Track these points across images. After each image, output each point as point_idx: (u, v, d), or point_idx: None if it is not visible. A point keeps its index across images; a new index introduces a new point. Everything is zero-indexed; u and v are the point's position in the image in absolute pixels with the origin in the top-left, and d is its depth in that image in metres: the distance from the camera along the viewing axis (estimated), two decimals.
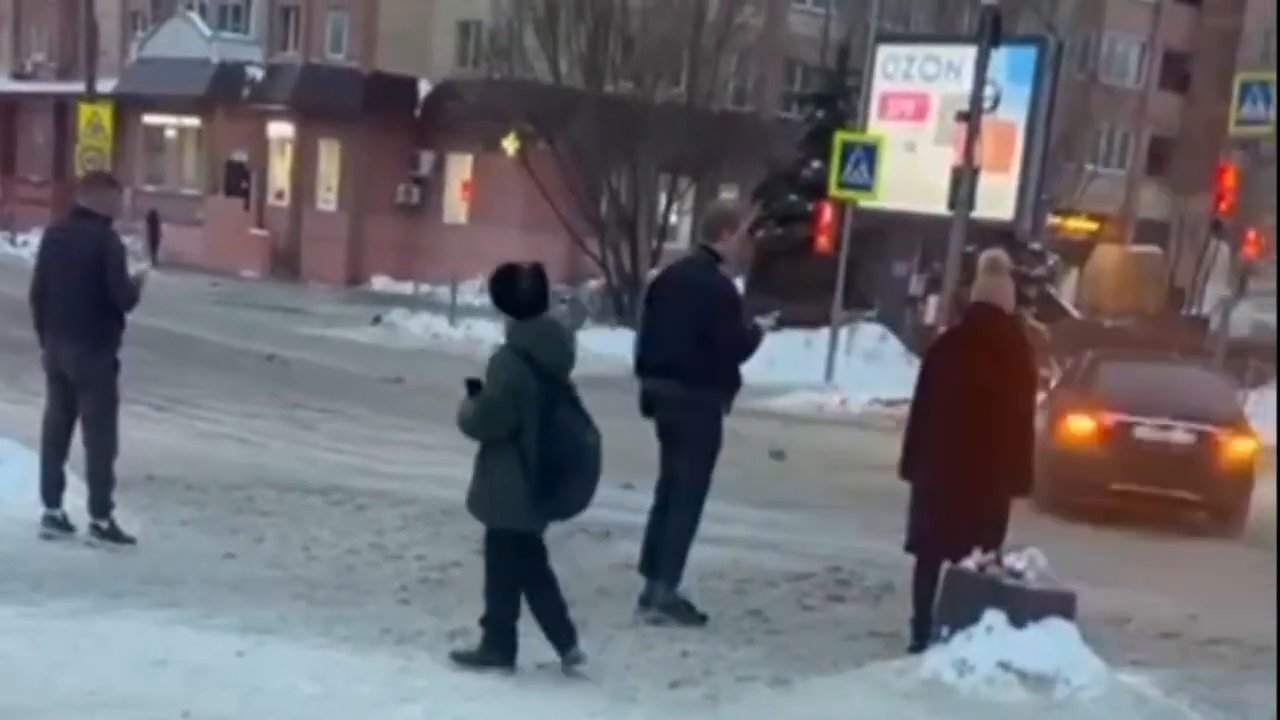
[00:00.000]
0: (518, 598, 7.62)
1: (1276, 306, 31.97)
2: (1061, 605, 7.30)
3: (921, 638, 8.07)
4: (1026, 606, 7.20)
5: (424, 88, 49.06)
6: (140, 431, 12.53)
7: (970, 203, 24.72)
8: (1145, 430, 15.64)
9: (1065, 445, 15.55)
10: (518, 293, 7.40)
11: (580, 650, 7.62)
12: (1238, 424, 16.10)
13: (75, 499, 9.94)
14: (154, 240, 46.38)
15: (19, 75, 62.24)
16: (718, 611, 9.23)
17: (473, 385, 7.41)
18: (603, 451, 7.48)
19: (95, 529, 9.80)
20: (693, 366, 8.83)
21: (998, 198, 27.47)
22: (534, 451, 7.29)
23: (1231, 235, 32.12)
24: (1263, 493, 15.51)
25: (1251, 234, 35.16)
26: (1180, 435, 15.56)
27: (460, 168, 49.23)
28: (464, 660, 7.59)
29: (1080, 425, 15.76)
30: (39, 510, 9.87)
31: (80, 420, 9.84)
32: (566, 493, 7.41)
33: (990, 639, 7.17)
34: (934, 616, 7.87)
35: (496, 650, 7.57)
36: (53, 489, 9.92)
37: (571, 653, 7.60)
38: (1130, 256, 53.75)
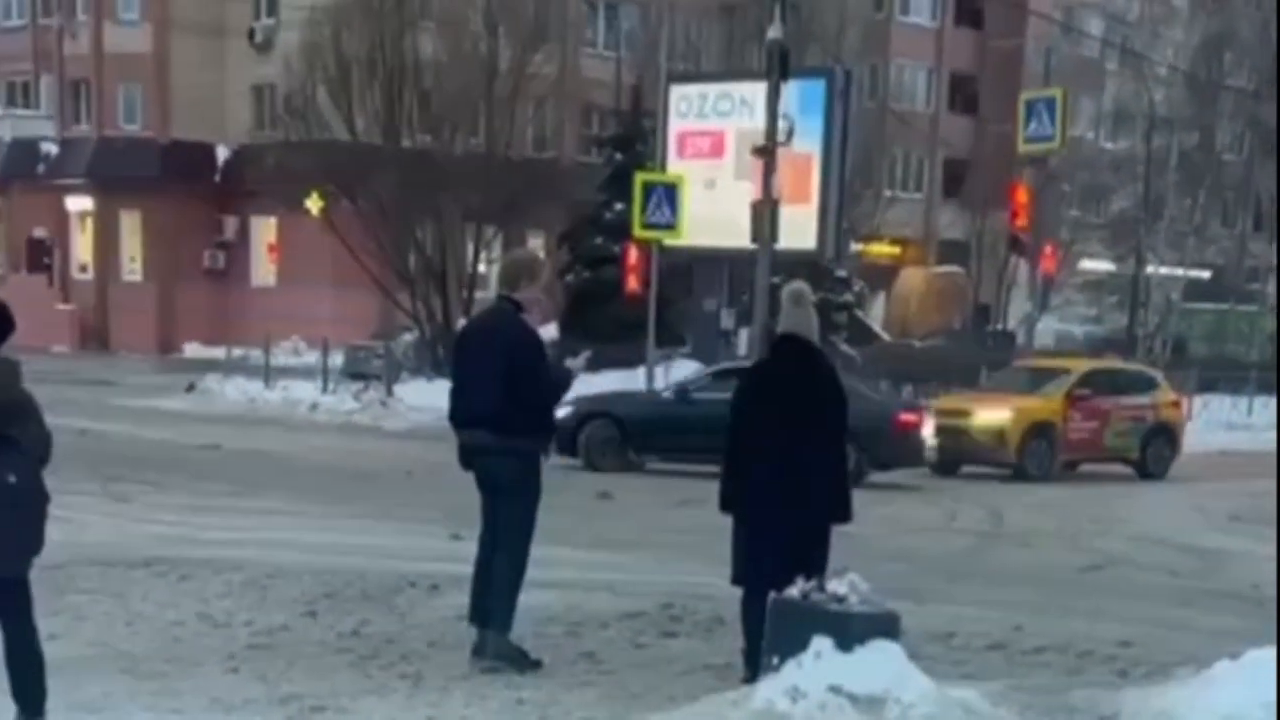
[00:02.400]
0: None
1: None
2: (886, 626, 7.41)
3: (754, 668, 8.14)
4: (852, 630, 7.27)
5: (222, 153, 48.81)
6: None
7: (773, 235, 25.12)
8: None
9: None
10: None
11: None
12: None
13: None
14: None
15: None
16: (552, 656, 9.26)
17: None
18: (35, 498, 7.02)
19: None
20: (503, 415, 8.86)
21: (800, 228, 27.98)
22: None
23: (1029, 250, 32.97)
24: None
25: (1047, 248, 36.15)
26: None
27: (265, 230, 48.94)
28: None
29: None
30: None
31: None
32: None
33: (820, 664, 7.23)
34: (764, 646, 7.96)
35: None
36: None
37: None
38: (934, 277, 54.99)
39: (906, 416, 21.90)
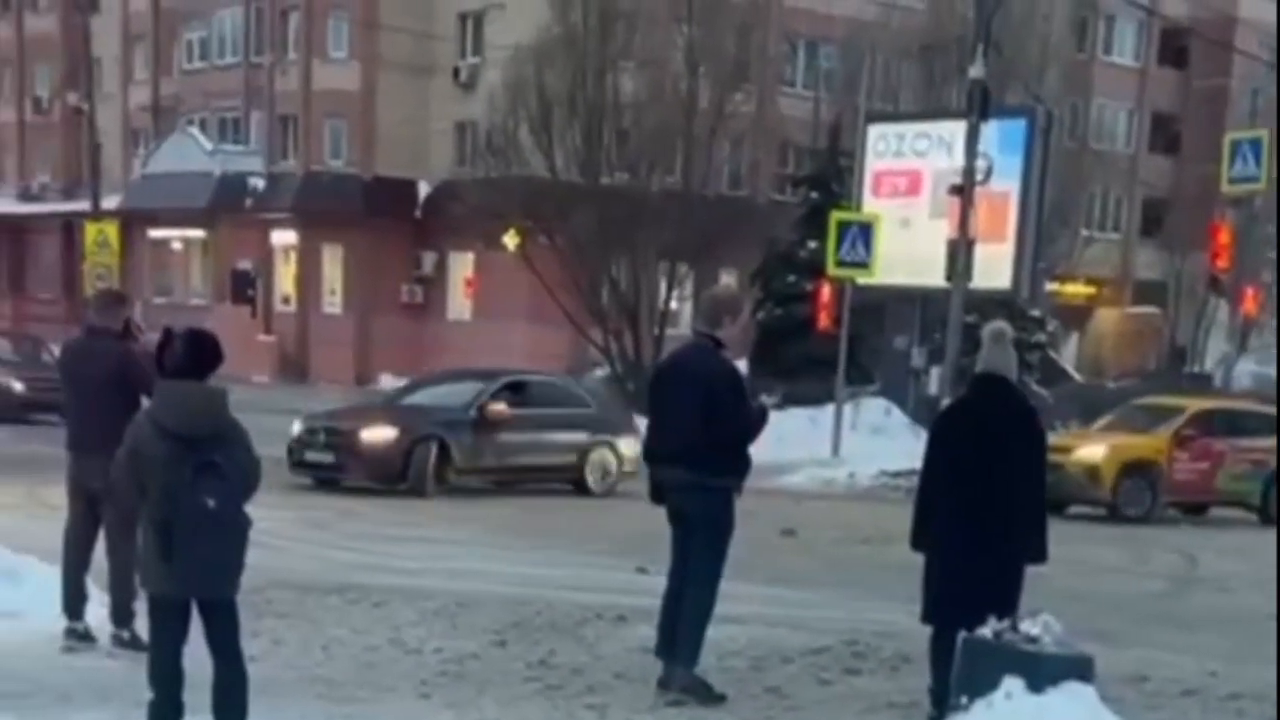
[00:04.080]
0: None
1: (1277, 345, 32.17)
2: (1079, 668, 7.32)
3: (940, 707, 8.09)
4: (1045, 671, 7.19)
5: (423, 189, 49.49)
6: None
7: (968, 274, 24.90)
8: None
9: None
10: (166, 355, 7.29)
11: None
12: None
13: (96, 609, 10.00)
14: None
15: (25, 196, 62.78)
16: (736, 690, 9.26)
17: None
18: (239, 522, 7.19)
19: (117, 639, 9.79)
20: (701, 452, 8.90)
21: (995, 267, 27.70)
22: (159, 514, 7.11)
23: (1229, 292, 32.26)
24: None
25: (1249, 290, 35.36)
26: None
27: (462, 265, 49.59)
28: None
29: None
30: (61, 624, 9.93)
31: (104, 531, 9.90)
32: (187, 558, 7.09)
33: (1010, 705, 7.15)
34: (952, 686, 7.89)
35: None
36: (75, 601, 9.97)
37: None
38: (1129, 318, 54.02)
39: None
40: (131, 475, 7.17)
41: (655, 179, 38.08)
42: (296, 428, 21.35)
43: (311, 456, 20.95)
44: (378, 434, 20.66)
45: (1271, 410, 25.48)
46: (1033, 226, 29.55)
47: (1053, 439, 24.28)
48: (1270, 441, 23.79)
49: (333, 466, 20.92)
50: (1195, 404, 25.86)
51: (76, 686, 8.88)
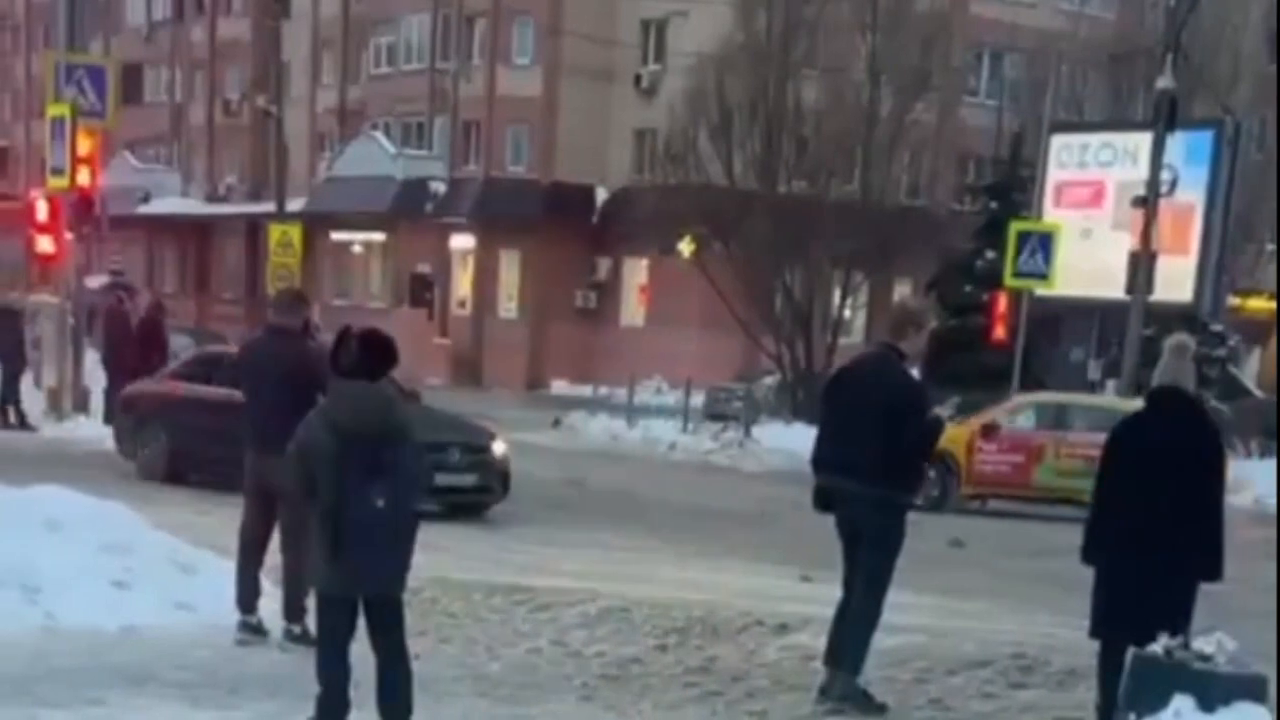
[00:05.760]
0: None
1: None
2: (1253, 689, 7.14)
3: None
4: (1216, 690, 7.03)
5: (600, 195, 49.76)
6: None
7: (1149, 286, 24.51)
8: None
9: None
10: (341, 354, 7.34)
11: None
12: None
13: (269, 604, 10.19)
14: None
15: (213, 198, 64.30)
16: (898, 701, 9.19)
17: None
18: (407, 521, 7.29)
19: (289, 634, 9.96)
20: (877, 463, 8.82)
21: (1176, 280, 27.29)
22: (328, 511, 7.18)
23: None
24: None
25: None
26: None
27: (636, 272, 49.79)
28: None
29: None
30: (235, 617, 10.13)
31: (279, 528, 10.07)
32: (355, 557, 7.18)
33: None
34: (1120, 702, 7.76)
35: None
36: (249, 595, 10.17)
37: None
38: None
39: None
40: (301, 471, 7.28)
41: (833, 187, 37.90)
42: None
43: None
44: None
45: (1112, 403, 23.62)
46: (1217, 239, 29.11)
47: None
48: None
49: None
50: (1029, 398, 24.76)
51: (247, 679, 9.06)
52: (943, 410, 9.40)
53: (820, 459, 9.31)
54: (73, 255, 25.16)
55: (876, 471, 8.82)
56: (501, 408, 40.28)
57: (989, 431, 22.55)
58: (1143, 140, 26.72)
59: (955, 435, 21.83)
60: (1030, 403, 23.65)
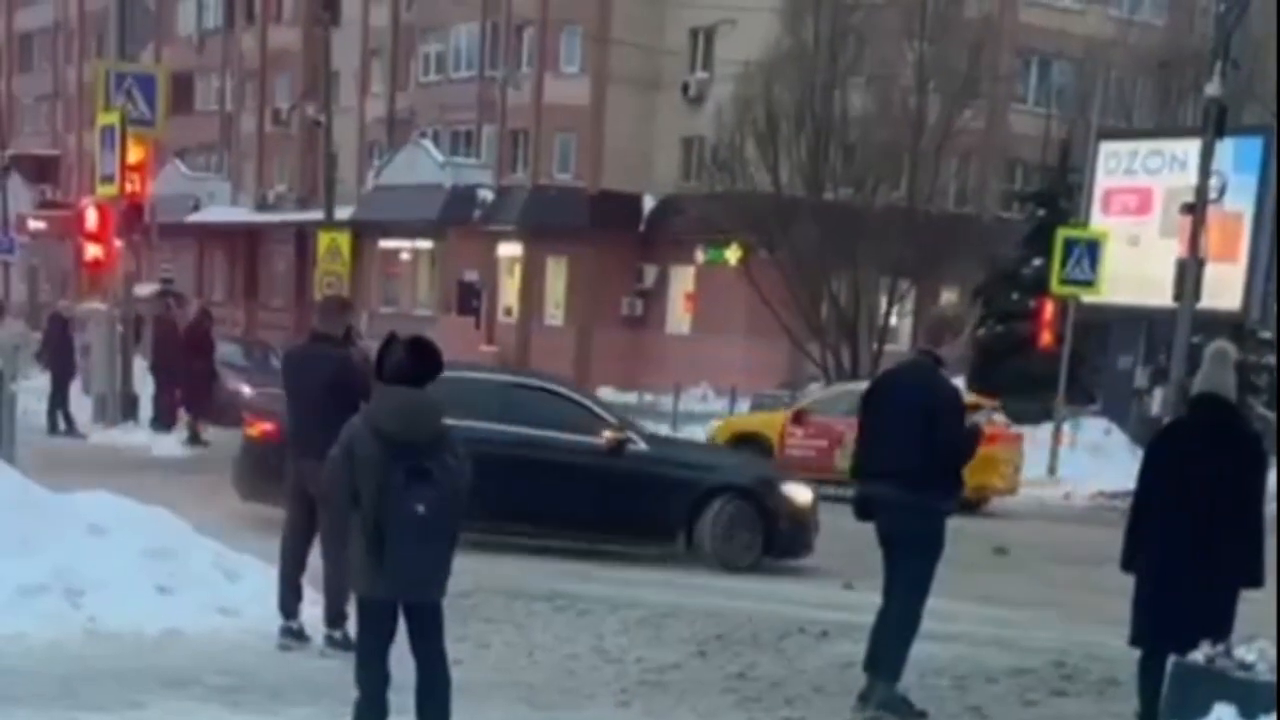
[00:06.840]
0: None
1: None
2: None
3: None
4: (1259, 699, 7.03)
5: (647, 203, 49.79)
6: None
7: (1196, 294, 24.37)
8: None
9: None
10: (387, 360, 7.34)
11: None
12: None
13: (311, 610, 10.23)
14: None
15: (262, 206, 64.59)
16: (936, 708, 9.17)
17: None
18: (448, 527, 7.27)
19: (330, 639, 9.99)
20: (916, 470, 8.83)
21: (1225, 287, 27.10)
22: (369, 516, 7.17)
23: None
24: None
25: None
26: None
27: (683, 279, 49.79)
28: None
29: None
30: (276, 622, 10.18)
31: (320, 535, 10.09)
32: (396, 562, 7.18)
33: None
34: (1161, 711, 7.75)
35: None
36: (291, 601, 10.21)
37: None
38: None
39: None
40: (343, 476, 7.31)
41: (880, 194, 37.86)
42: None
43: None
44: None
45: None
46: (1267, 247, 28.81)
47: None
48: None
49: None
50: (842, 387, 25.94)
51: (288, 683, 9.10)
52: (980, 418, 9.38)
53: (859, 466, 9.32)
54: (122, 263, 25.29)
55: (915, 478, 8.82)
56: None
57: (799, 417, 23.19)
58: (1191, 147, 26.55)
59: (770, 421, 23.85)
60: (844, 392, 24.16)
